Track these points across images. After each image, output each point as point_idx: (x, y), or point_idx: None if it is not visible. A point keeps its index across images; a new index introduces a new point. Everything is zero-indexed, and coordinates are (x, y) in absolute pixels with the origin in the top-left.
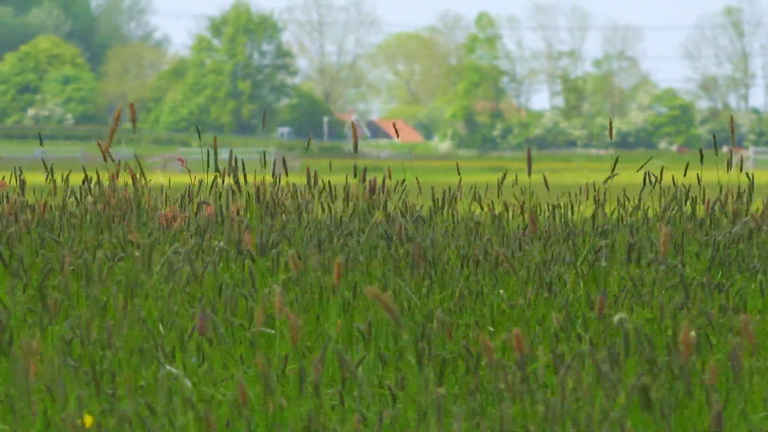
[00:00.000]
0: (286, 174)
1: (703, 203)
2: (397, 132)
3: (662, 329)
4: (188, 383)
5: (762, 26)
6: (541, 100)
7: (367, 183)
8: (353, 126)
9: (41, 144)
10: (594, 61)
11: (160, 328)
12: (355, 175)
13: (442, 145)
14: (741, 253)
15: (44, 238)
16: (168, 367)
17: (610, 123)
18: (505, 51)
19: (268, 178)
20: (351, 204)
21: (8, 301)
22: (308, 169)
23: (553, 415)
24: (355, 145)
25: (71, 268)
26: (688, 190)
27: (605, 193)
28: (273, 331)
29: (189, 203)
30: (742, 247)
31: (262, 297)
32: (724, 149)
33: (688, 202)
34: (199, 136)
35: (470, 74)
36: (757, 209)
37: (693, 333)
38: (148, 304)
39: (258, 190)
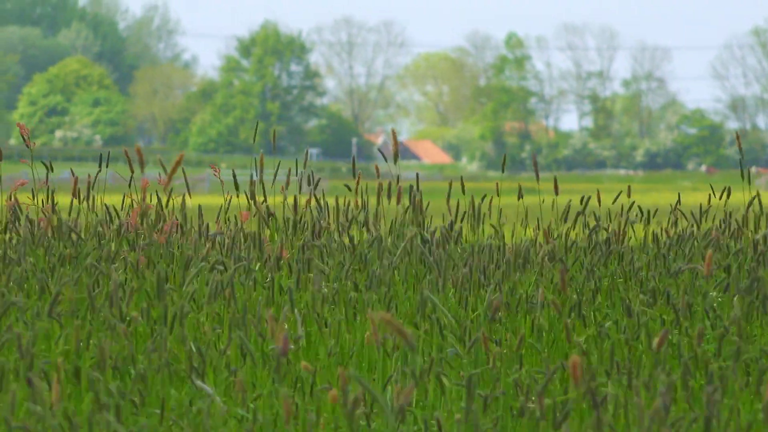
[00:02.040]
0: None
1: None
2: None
3: None
4: (219, 401)
5: None
6: (570, 120)
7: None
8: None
9: (105, 167)
10: (623, 81)
11: (192, 347)
12: (389, 196)
13: (471, 165)
14: None
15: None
16: (199, 383)
17: None
18: (534, 71)
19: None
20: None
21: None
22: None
23: None
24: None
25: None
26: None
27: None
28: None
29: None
30: None
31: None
32: (753, 170)
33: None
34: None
35: (499, 95)
36: None
37: None
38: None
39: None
